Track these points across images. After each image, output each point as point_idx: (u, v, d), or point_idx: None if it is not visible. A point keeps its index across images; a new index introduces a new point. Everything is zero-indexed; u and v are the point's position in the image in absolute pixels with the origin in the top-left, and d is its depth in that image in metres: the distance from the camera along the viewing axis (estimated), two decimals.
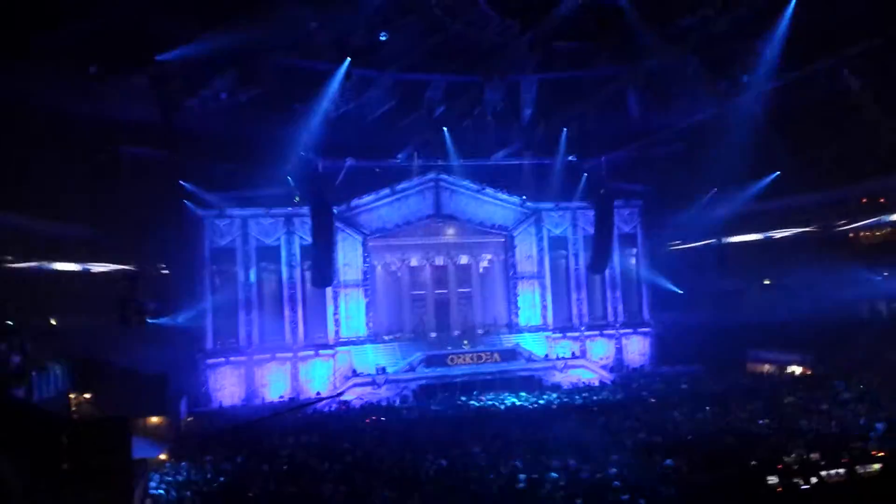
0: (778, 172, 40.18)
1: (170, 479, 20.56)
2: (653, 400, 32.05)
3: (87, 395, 24.17)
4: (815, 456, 19.38)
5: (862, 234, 42.19)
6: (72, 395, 23.92)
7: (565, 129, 43.68)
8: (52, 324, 33.75)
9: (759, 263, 43.61)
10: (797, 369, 37.50)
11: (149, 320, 22.92)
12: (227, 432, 27.74)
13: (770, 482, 16.74)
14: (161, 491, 18.82)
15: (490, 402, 34.28)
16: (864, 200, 40.60)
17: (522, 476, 18.73)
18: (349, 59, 33.73)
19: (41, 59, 27.12)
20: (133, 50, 27.88)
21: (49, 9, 25.63)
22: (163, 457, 22.62)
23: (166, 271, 38.38)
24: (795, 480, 16.85)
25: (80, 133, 31.45)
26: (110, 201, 34.79)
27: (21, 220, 33.51)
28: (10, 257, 34.08)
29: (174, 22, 28.05)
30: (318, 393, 38.29)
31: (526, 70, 37.91)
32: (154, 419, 24.52)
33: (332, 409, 34.56)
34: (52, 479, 14.19)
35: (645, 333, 45.67)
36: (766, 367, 38.95)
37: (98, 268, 37.96)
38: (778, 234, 43.47)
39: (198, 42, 28.77)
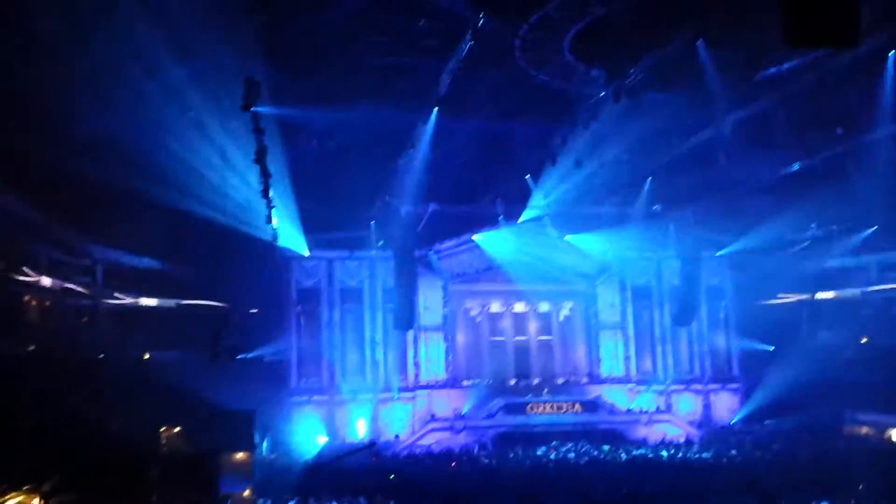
0: (876, 227, 38.49)
1: None
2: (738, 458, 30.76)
3: (177, 430, 24.87)
4: None
5: None
6: (162, 429, 24.64)
7: (650, 178, 42.96)
8: (144, 358, 35.11)
9: (856, 320, 41.58)
10: None
11: (237, 357, 23.52)
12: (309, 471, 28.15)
13: None
14: None
15: (571, 454, 33.53)
16: None
17: None
18: (436, 108, 34.30)
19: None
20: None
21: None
22: (246, 494, 23.00)
23: (255, 310, 39.49)
24: None
25: (181, 173, 32.82)
26: (205, 243, 36.14)
27: (118, 255, 35.40)
28: (116, 293, 35.89)
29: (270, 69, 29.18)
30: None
31: (610, 119, 37.64)
32: (240, 455, 25.00)
33: (411, 452, 34.52)
34: None
35: (734, 390, 43.98)
36: (865, 430, 36.83)
37: (189, 303, 39.46)
38: (875, 289, 41.53)
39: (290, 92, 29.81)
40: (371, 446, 28.91)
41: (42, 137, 26.90)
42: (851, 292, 42.42)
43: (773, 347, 42.14)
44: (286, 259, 40.10)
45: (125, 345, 33.31)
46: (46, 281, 32.66)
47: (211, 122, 30.60)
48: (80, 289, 34.70)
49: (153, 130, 29.79)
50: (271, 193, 33.64)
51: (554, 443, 35.38)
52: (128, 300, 37.30)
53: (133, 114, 28.19)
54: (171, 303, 39.33)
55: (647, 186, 42.92)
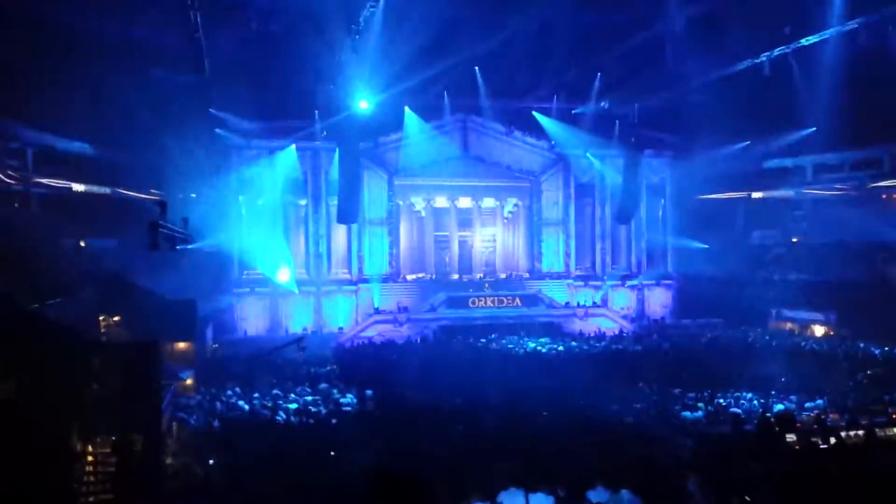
0: (814, 129, 39.18)
1: (195, 405, 21.01)
2: (667, 350, 32.11)
3: (116, 318, 24.56)
4: (834, 416, 19.39)
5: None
6: (101, 318, 24.30)
7: (599, 74, 42.65)
8: (81, 245, 34.18)
9: (789, 219, 42.94)
10: (820, 329, 37.31)
11: (177, 247, 23.04)
12: (250, 361, 28.36)
13: (789, 440, 16.79)
14: (187, 416, 19.23)
15: (510, 346, 34.45)
16: None
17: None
18: None
19: None
20: None
21: None
22: (189, 382, 23.09)
23: (193, 195, 38.51)
24: (814, 440, 16.87)
25: (112, 54, 31.20)
26: (139, 126, 34.78)
27: (53, 139, 33.84)
28: (43, 179, 34.47)
29: None
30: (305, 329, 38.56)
31: (562, 9, 36.80)
32: (181, 345, 24.95)
33: (355, 344, 35.02)
34: (83, 400, 14.47)
35: (668, 286, 45.52)
36: (789, 326, 38.79)
37: (125, 192, 38.28)
38: (810, 190, 42.75)
39: None
40: (300, 340, 29.15)
41: None
42: (785, 192, 43.63)
43: (707, 245, 43.28)
44: (227, 147, 38.93)
45: (60, 232, 32.27)
46: None
47: None
48: (9, 173, 33.20)
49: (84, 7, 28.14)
50: (207, 76, 32.42)
51: (493, 335, 36.17)
52: (61, 185, 35.91)
53: None
54: (105, 190, 38.06)
55: (596, 83, 42.83)
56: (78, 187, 36.49)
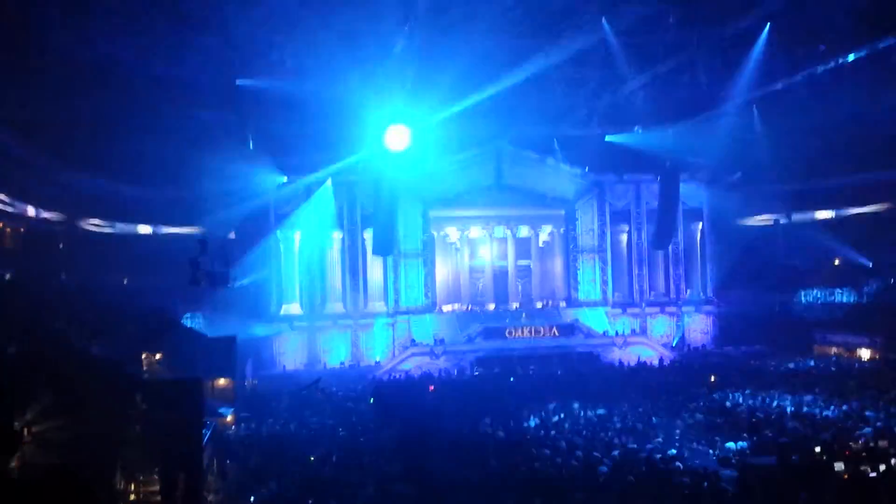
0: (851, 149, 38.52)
1: (236, 438, 21.22)
2: (714, 379, 31.49)
3: (158, 356, 24.97)
4: (883, 444, 18.85)
5: None
6: (143, 355, 24.73)
7: (635, 99, 42.39)
8: (124, 283, 34.97)
9: (832, 241, 42.06)
10: (866, 353, 36.33)
11: (217, 283, 23.46)
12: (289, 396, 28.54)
13: (837, 469, 16.36)
14: (229, 449, 19.42)
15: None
16: None
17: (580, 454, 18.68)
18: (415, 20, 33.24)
19: (117, 18, 27.78)
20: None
21: None
22: (229, 419, 23.32)
23: (233, 236, 39.21)
24: (863, 468, 16.42)
25: (154, 94, 32.14)
26: (180, 164, 35.63)
27: (96, 179, 34.79)
28: (96, 220, 35.41)
29: None
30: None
31: (595, 34, 36.81)
32: (221, 381, 25.24)
33: (392, 377, 35.00)
34: (127, 437, 14.72)
35: (708, 312, 44.78)
36: (834, 350, 37.83)
37: (167, 230, 39.15)
38: (853, 210, 41.92)
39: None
40: (317, 382, 29.18)
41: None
42: (827, 214, 42.88)
43: (748, 269, 42.59)
44: (264, 183, 39.63)
45: (103, 271, 33.06)
46: (21, 207, 32.15)
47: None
48: (54, 215, 34.24)
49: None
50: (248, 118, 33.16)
51: (531, 367, 35.85)
52: (104, 226, 36.91)
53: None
54: (147, 228, 39.00)
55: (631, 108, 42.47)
56: (123, 228, 37.45)
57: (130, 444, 14.53)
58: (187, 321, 32.04)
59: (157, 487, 14.42)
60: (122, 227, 37.74)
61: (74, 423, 13.73)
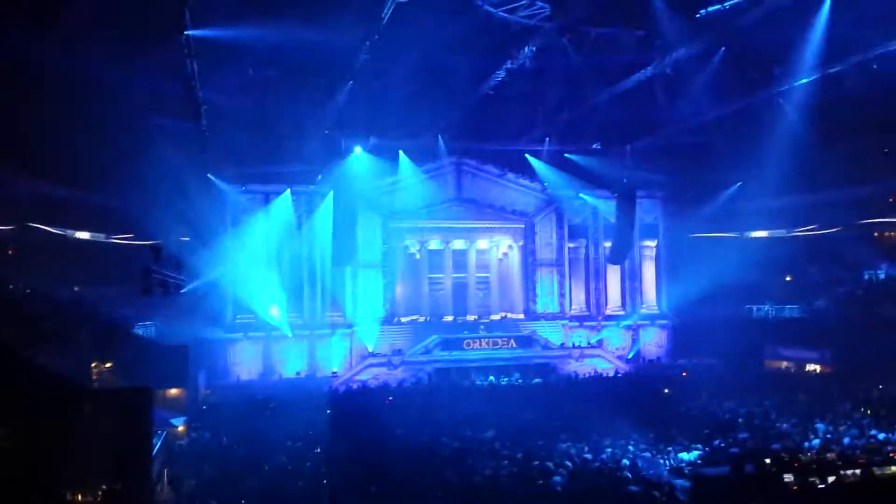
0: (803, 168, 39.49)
1: (188, 449, 20.81)
2: (667, 391, 31.92)
3: (108, 365, 24.44)
4: (831, 455, 19.28)
5: (887, 233, 41.68)
6: (93, 364, 24.18)
7: (591, 117, 43.03)
8: (75, 292, 34.15)
9: (781, 259, 43.09)
10: (816, 367, 37.15)
11: (171, 292, 23.04)
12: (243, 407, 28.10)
13: (787, 480, 16.66)
14: (179, 461, 19.03)
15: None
16: (893, 199, 40.03)
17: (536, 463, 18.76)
18: (376, 37, 33.30)
19: (74, 28, 27.23)
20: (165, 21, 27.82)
21: None
22: (181, 428, 22.87)
23: (186, 239, 38.53)
24: (812, 479, 16.76)
25: (108, 101, 31.59)
26: (133, 172, 35.02)
27: (47, 186, 34.04)
28: (38, 224, 34.57)
29: None
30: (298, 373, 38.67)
31: (554, 55, 37.33)
32: (174, 391, 24.78)
33: (349, 387, 34.78)
34: (73, 447, 14.34)
35: (662, 325, 45.43)
36: (784, 364, 38.63)
37: (120, 238, 38.38)
38: (802, 231, 43.02)
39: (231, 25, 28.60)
40: (268, 402, 28.79)
41: None
42: (779, 231, 43.87)
43: (702, 284, 43.25)
44: (221, 192, 39.15)
45: (54, 279, 32.24)
46: None
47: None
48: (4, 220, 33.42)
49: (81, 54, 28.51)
50: (203, 123, 32.70)
51: (489, 378, 36.04)
52: (56, 234, 36.07)
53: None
54: (100, 236, 38.17)
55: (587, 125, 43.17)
56: (73, 234, 36.61)
57: (75, 454, 14.13)
58: (140, 329, 31.39)
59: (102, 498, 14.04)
60: (74, 235, 36.88)
61: (15, 432, 13.35)
